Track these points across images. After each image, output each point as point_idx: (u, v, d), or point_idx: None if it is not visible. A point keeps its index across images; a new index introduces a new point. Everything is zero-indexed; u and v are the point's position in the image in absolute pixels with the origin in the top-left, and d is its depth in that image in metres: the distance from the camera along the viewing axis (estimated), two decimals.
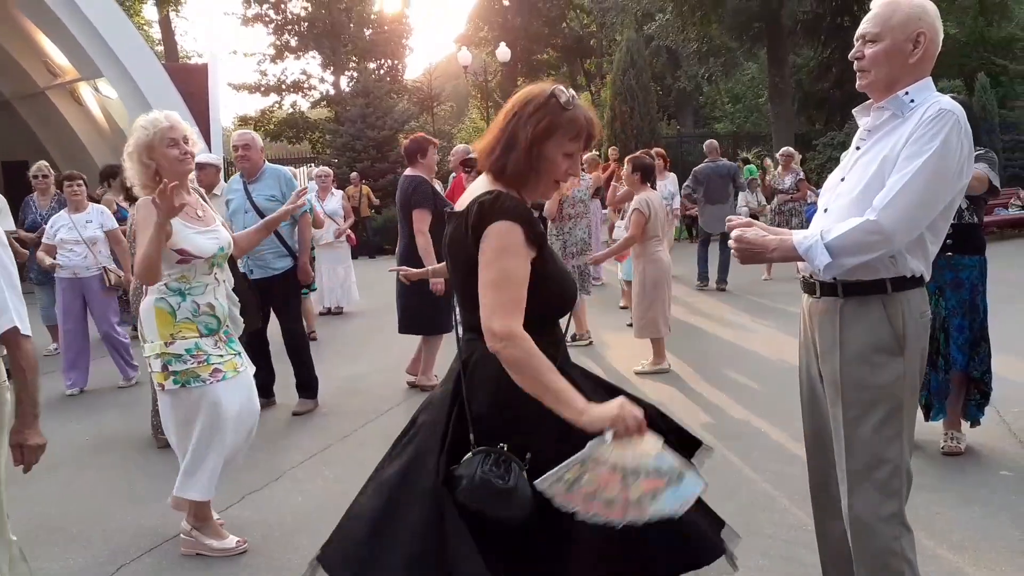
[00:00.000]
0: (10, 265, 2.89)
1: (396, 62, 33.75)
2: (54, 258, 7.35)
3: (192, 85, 16.36)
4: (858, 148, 2.66)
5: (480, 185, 2.31)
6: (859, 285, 2.57)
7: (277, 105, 33.68)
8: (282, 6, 31.78)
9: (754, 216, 18.75)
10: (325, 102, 33.01)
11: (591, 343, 8.40)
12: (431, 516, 2.14)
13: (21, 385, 2.82)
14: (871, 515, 2.59)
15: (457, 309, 2.41)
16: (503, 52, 25.88)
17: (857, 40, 2.63)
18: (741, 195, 18.24)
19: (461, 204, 2.32)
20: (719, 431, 5.53)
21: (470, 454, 2.15)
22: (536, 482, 2.06)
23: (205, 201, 4.08)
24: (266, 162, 6.53)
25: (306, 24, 31.69)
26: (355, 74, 30.25)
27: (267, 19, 31.87)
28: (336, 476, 5.02)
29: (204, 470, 3.89)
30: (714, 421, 5.77)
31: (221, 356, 3.85)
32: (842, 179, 2.67)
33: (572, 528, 2.12)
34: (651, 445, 2.10)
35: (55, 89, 17.71)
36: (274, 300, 6.41)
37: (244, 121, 32.44)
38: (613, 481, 2.05)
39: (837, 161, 13.42)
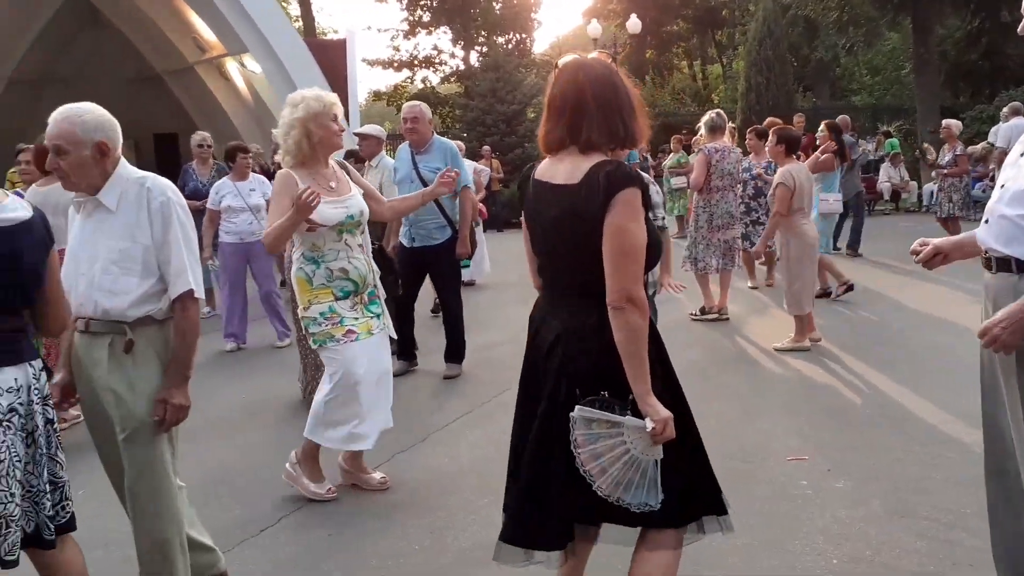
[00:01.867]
0: (191, 231, 3.06)
1: (525, 36, 33.72)
2: (217, 223, 7.88)
3: (331, 60, 16.80)
4: None
5: (575, 157, 2.42)
6: None
7: (409, 80, 34.23)
8: None
9: (896, 193, 18.03)
10: (455, 77, 33.32)
11: (728, 318, 8.27)
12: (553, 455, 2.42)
13: (179, 345, 2.98)
14: None
15: (549, 274, 2.55)
16: (633, 24, 25.49)
17: None
18: (883, 169, 17.54)
19: (560, 177, 2.44)
20: (868, 410, 5.38)
21: (580, 404, 2.36)
22: (577, 407, 2.34)
23: (348, 173, 4.31)
24: (435, 134, 6.67)
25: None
26: (484, 48, 30.40)
27: None
28: (478, 441, 5.13)
29: (321, 416, 4.21)
30: (861, 400, 5.61)
31: (356, 318, 4.12)
32: (1022, 154, 2.60)
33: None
34: (656, 453, 2.36)
35: (203, 64, 18.51)
36: (432, 270, 6.68)
37: (378, 96, 33.11)
38: (620, 455, 2.34)
39: (984, 135, 12.87)
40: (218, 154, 9.49)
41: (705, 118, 8.35)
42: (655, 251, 2.46)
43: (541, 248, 2.57)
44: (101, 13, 19.14)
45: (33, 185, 5.78)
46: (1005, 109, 14.17)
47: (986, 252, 2.64)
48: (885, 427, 5.03)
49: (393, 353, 6.54)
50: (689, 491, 2.49)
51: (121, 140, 3.02)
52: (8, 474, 2.42)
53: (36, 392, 2.54)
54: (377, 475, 4.55)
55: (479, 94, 22.73)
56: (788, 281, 7.03)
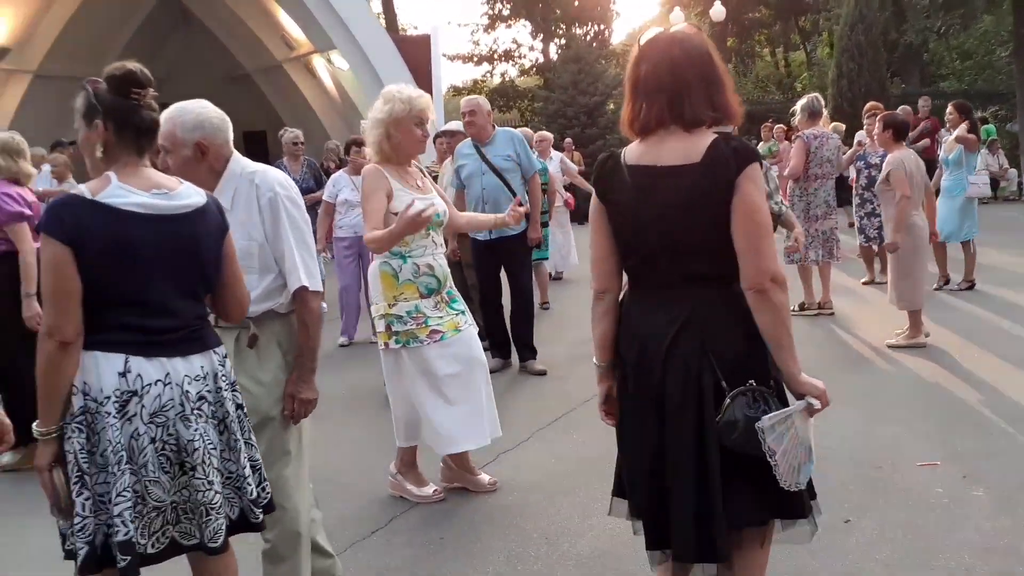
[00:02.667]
0: (303, 225, 3.00)
1: (604, 27, 33.43)
2: (332, 217, 7.86)
3: (416, 56, 16.84)
4: None
5: (681, 137, 2.28)
6: None
7: (488, 75, 34.31)
8: None
9: (995, 181, 17.22)
10: (534, 70, 33.24)
11: (832, 313, 7.96)
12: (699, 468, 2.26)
13: (303, 339, 2.96)
14: None
15: (657, 267, 2.35)
16: (717, 11, 24.92)
17: None
18: (981, 157, 16.77)
19: (675, 158, 2.27)
20: (994, 412, 5.08)
21: (728, 400, 2.21)
22: (764, 419, 2.18)
23: (425, 176, 4.24)
24: (495, 126, 6.61)
25: None
26: (562, 41, 30.21)
27: None
28: (584, 439, 5.00)
29: (408, 420, 4.18)
30: (986, 398, 5.30)
31: (441, 317, 4.04)
32: None
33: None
34: (810, 427, 2.28)
35: (291, 62, 18.78)
36: (509, 261, 6.62)
37: (456, 91, 33.22)
38: (792, 444, 2.23)
39: None
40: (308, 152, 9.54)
41: (803, 102, 8.01)
42: None
43: (643, 240, 2.35)
44: (192, 14, 19.58)
45: None
46: None
47: None
48: (1017, 430, 4.73)
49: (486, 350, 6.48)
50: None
51: (229, 137, 2.97)
52: (204, 462, 2.41)
53: (223, 379, 2.52)
54: (486, 476, 4.46)
55: (560, 86, 22.58)
56: (898, 276, 6.71)
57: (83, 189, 2.37)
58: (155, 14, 19.38)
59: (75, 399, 2.33)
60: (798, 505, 2.35)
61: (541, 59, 32.66)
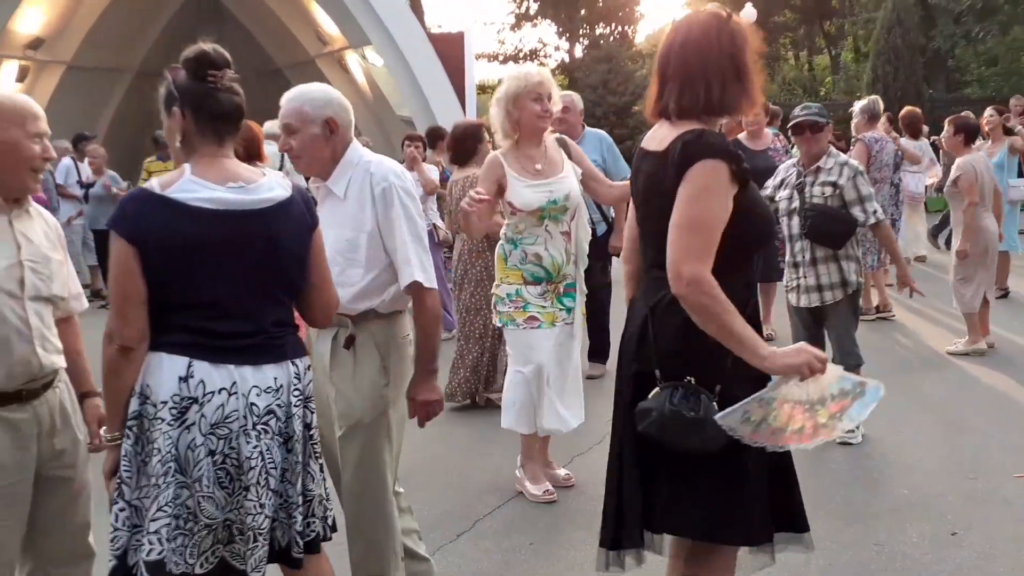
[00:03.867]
0: (417, 218, 2.90)
1: (628, 27, 33.32)
2: None
3: (449, 54, 16.74)
4: None
5: (669, 127, 2.26)
6: None
7: None
8: None
9: None
10: (560, 69, 33.13)
11: (894, 316, 7.83)
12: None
13: (420, 338, 2.86)
14: None
15: (642, 247, 2.39)
16: (749, 12, 24.76)
17: None
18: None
19: (653, 144, 2.29)
20: None
21: (657, 388, 2.18)
22: (717, 416, 2.11)
23: (568, 151, 4.13)
24: (585, 126, 6.44)
25: None
26: (586, 41, 30.09)
27: None
28: None
29: (511, 403, 4.15)
30: None
31: (543, 307, 4.01)
32: None
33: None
34: (832, 373, 2.16)
35: (323, 57, 18.70)
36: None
37: (483, 89, 33.09)
38: (798, 413, 2.13)
39: None
40: None
41: (863, 104, 7.88)
42: (760, 231, 2.32)
43: (638, 218, 2.41)
44: (224, 7, 19.51)
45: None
46: None
47: None
48: None
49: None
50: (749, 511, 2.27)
51: (352, 121, 2.90)
52: (258, 483, 2.22)
53: (296, 393, 2.33)
54: (561, 471, 4.43)
55: (589, 85, 22.46)
56: (960, 280, 6.60)
57: (154, 183, 2.25)
58: (187, 7, 19.33)
59: (132, 402, 2.22)
60: (717, 530, 2.26)
61: (567, 59, 32.54)
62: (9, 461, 2.46)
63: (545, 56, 33.43)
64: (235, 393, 2.20)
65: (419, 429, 2.98)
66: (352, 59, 18.21)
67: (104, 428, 2.32)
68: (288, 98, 2.81)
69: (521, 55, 33.23)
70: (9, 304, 2.44)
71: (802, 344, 2.18)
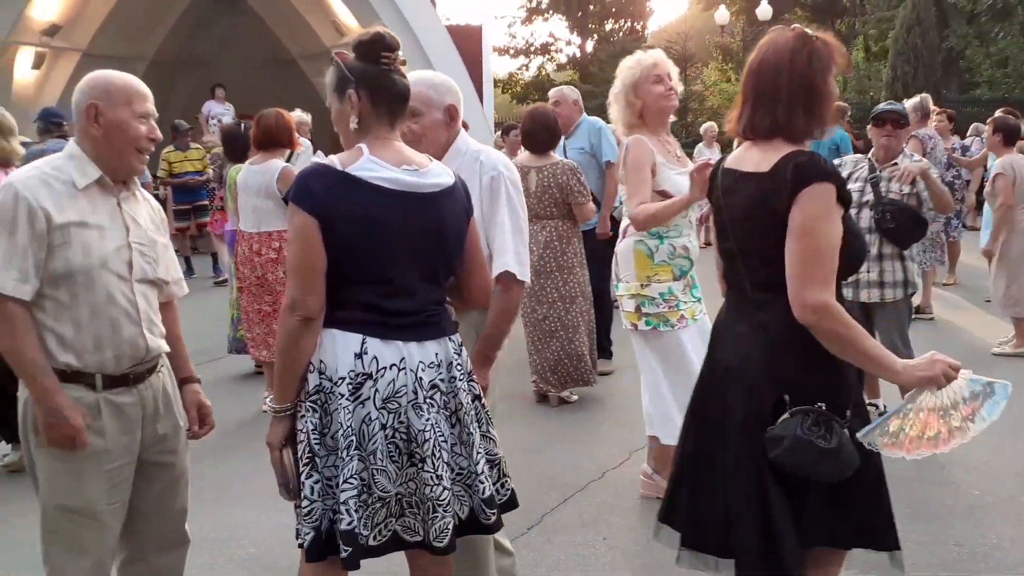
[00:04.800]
0: (521, 211, 2.87)
1: (638, 22, 33.27)
2: None
3: (467, 47, 16.67)
4: None
5: (766, 146, 2.23)
6: None
7: (524, 68, 34.15)
8: None
9: None
10: (570, 64, 33.09)
11: (933, 318, 7.78)
12: (749, 480, 2.18)
13: (491, 325, 2.75)
14: None
15: (742, 267, 2.31)
16: (764, 10, 24.81)
17: None
18: None
19: (749, 165, 2.25)
20: None
21: (787, 415, 2.12)
22: (858, 434, 2.11)
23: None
24: (584, 115, 6.43)
25: None
26: (596, 36, 30.06)
27: None
28: None
29: (666, 412, 3.89)
30: None
31: (687, 302, 3.84)
32: None
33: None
34: (963, 377, 2.15)
35: (340, 48, 18.56)
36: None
37: (497, 83, 32.96)
38: (933, 420, 2.14)
39: None
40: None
41: (914, 101, 7.83)
42: (858, 256, 2.29)
43: (730, 244, 2.33)
44: None
45: (246, 163, 5.69)
46: None
47: None
48: None
49: None
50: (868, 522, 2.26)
51: (462, 112, 2.88)
52: (434, 455, 2.24)
53: (459, 368, 2.36)
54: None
55: (605, 80, 22.39)
56: (1006, 281, 6.56)
57: (334, 160, 2.25)
58: None
59: (311, 377, 2.24)
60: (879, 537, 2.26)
61: (577, 53, 32.50)
62: (115, 445, 2.45)
63: (556, 51, 33.43)
64: (403, 368, 2.24)
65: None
66: None
67: (270, 398, 2.30)
68: (412, 82, 2.77)
69: (532, 49, 33.20)
70: (119, 286, 2.43)
71: (933, 353, 2.15)
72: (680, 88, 3.91)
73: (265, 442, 2.31)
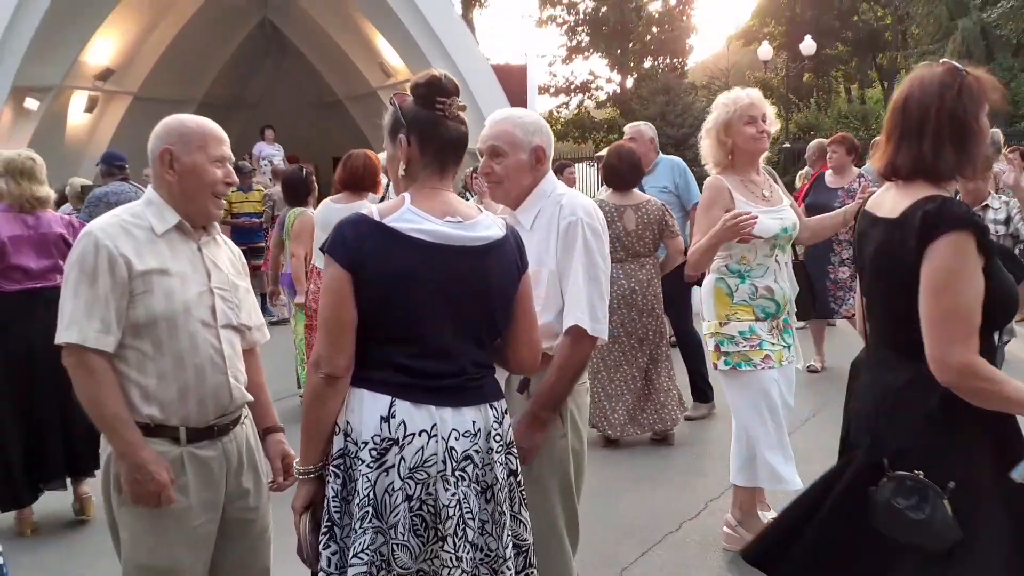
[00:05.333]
0: (600, 261, 2.71)
1: (679, 59, 33.31)
2: None
3: (512, 86, 16.73)
4: None
5: (897, 190, 2.11)
6: None
7: (564, 106, 34.32)
8: (576, 7, 32.33)
9: None
10: (611, 102, 33.18)
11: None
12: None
13: (550, 377, 2.58)
14: None
15: (867, 321, 2.23)
16: (808, 45, 24.73)
17: None
18: None
19: (884, 210, 2.13)
20: None
21: (885, 479, 2.04)
22: (1014, 473, 1.99)
23: (777, 182, 3.91)
24: (660, 153, 6.38)
25: (596, 24, 32.03)
26: (635, 74, 30.13)
27: (560, 21, 32.57)
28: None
29: (748, 456, 3.79)
30: None
31: (774, 344, 3.70)
32: None
33: None
34: None
35: (386, 89, 18.76)
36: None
37: None
38: None
39: None
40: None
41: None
42: (1007, 306, 2.08)
43: (864, 289, 2.22)
44: (288, 40, 19.74)
45: (328, 200, 5.62)
46: None
47: None
48: None
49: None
50: None
51: (552, 154, 2.77)
52: (455, 533, 2.07)
53: (497, 438, 2.18)
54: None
55: (647, 117, 22.33)
56: None
57: (373, 209, 2.14)
58: (251, 39, 19.59)
59: (336, 439, 2.11)
60: None
61: (618, 90, 32.61)
62: (197, 501, 2.35)
63: (597, 88, 33.58)
64: (435, 436, 2.08)
65: None
66: None
67: (297, 460, 2.19)
68: (496, 119, 2.69)
69: (572, 87, 33.37)
70: (203, 333, 2.35)
71: None
72: (776, 127, 3.80)
73: (291, 506, 2.19)
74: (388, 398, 2.07)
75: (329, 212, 5.35)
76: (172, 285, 2.31)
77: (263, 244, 11.05)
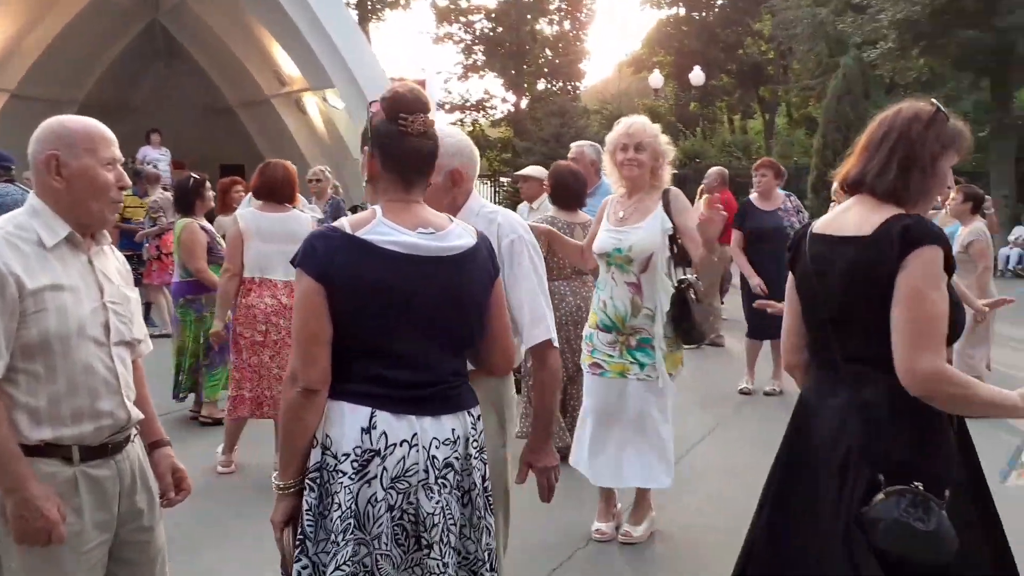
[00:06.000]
0: (543, 275, 2.75)
1: (572, 83, 33.97)
2: None
3: None
4: None
5: (863, 208, 2.18)
6: None
7: (459, 122, 34.48)
8: (472, 26, 32.57)
9: None
10: (505, 121, 33.54)
11: None
12: (843, 561, 2.07)
13: (541, 401, 2.64)
14: None
15: (834, 339, 2.22)
16: (697, 76, 25.63)
17: None
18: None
19: (849, 229, 2.18)
20: None
21: (882, 495, 2.04)
22: (999, 479, 2.11)
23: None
24: (602, 177, 6.37)
25: (492, 43, 32.36)
26: (529, 95, 30.59)
27: (457, 39, 32.76)
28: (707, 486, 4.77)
29: (578, 439, 4.24)
30: None
31: (610, 356, 3.99)
32: None
33: None
34: None
35: (280, 98, 18.42)
36: None
37: None
38: None
39: None
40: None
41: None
42: (960, 320, 2.18)
43: (820, 314, 2.25)
44: (178, 43, 19.15)
45: (252, 208, 5.37)
46: None
47: None
48: None
49: None
50: None
51: (477, 172, 2.79)
52: (442, 540, 2.08)
53: (475, 444, 2.22)
54: (623, 527, 4.27)
55: (542, 139, 22.70)
56: (972, 345, 6.73)
57: (344, 223, 2.13)
58: (139, 41, 18.92)
59: (313, 453, 2.09)
60: None
61: (512, 110, 32.99)
62: (91, 523, 2.20)
63: (491, 107, 33.88)
64: (415, 445, 2.09)
65: None
66: (310, 101, 17.99)
67: (275, 475, 2.14)
68: None
69: (468, 104, 33.57)
70: (96, 353, 2.19)
71: None
72: (671, 154, 4.02)
73: (270, 520, 2.14)
74: (368, 409, 2.07)
75: (264, 221, 5.03)
76: (65, 302, 2.15)
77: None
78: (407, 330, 2.11)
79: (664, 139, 4.00)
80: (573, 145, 6.56)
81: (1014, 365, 8.29)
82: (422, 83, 18.64)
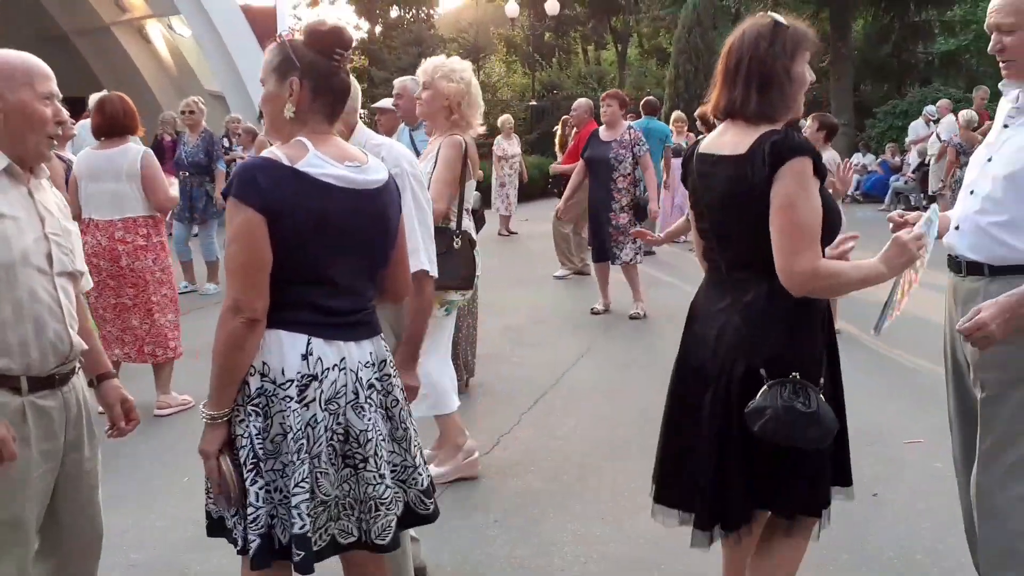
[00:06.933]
0: (426, 207, 2.93)
1: (426, 10, 33.36)
2: None
3: (262, 28, 16.06)
4: (1006, 126, 2.56)
5: (738, 130, 2.34)
6: (1007, 267, 2.45)
7: None
8: None
9: None
10: (361, 50, 32.64)
11: None
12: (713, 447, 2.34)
13: (413, 325, 2.82)
14: (998, 494, 2.50)
15: (715, 250, 2.44)
16: (552, 5, 25.64)
17: (991, 31, 2.51)
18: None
19: (726, 148, 2.35)
20: None
21: (765, 387, 2.25)
22: (873, 330, 2.46)
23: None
24: None
25: None
26: (382, 22, 29.86)
27: None
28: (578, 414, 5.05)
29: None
30: None
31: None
32: (989, 159, 2.56)
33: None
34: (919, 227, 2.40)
35: (121, 25, 17.40)
36: None
37: None
38: (910, 273, 2.47)
39: (900, 129, 13.04)
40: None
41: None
42: (835, 222, 2.39)
43: (708, 226, 2.47)
44: None
45: (88, 148, 5.25)
46: (941, 103, 15.05)
47: (956, 256, 2.60)
48: None
49: None
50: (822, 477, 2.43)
51: (358, 105, 2.89)
52: (376, 454, 2.23)
53: (391, 365, 2.36)
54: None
55: (400, 68, 22.27)
56: None
57: (279, 155, 2.16)
58: None
59: (251, 380, 2.16)
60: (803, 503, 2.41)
61: (366, 38, 32.15)
62: (37, 453, 2.24)
63: None
64: (344, 368, 2.21)
65: None
66: (154, 28, 17.11)
67: (204, 404, 2.18)
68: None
69: None
70: (40, 281, 2.23)
71: (896, 236, 2.32)
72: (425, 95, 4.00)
73: (199, 450, 2.18)
74: (305, 337, 2.16)
75: (96, 160, 5.02)
76: (8, 231, 2.17)
77: None
78: (342, 260, 2.21)
79: (466, 79, 4.00)
80: (396, 81, 6.50)
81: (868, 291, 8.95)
82: (272, 10, 18.01)
